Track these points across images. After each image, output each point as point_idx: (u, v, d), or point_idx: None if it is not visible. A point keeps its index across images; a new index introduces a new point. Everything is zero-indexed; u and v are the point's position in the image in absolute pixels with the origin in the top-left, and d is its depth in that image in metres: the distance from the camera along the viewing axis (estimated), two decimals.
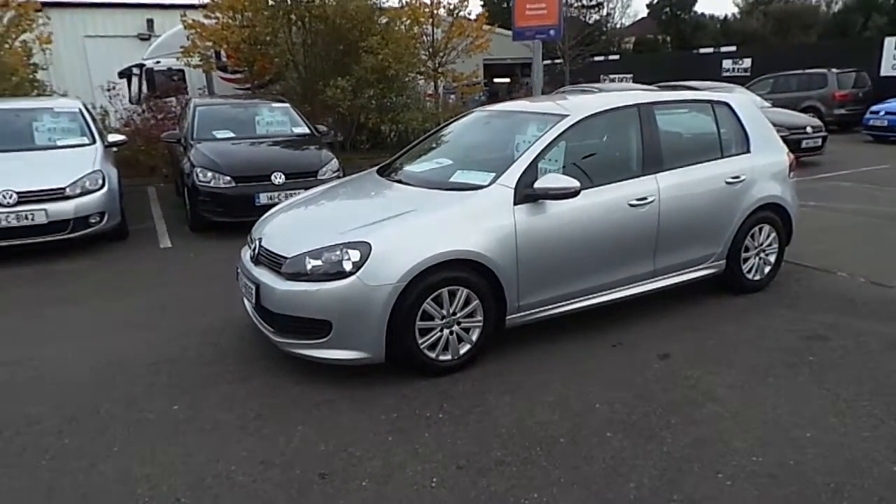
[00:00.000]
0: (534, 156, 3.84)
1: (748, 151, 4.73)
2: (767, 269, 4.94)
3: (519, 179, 3.75)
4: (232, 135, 7.89)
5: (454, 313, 3.58)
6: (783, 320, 4.35)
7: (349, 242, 3.43)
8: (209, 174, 6.88)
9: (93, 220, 6.35)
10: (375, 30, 12.24)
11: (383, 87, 12.47)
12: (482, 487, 2.64)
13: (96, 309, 4.86)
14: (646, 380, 3.55)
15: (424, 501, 2.57)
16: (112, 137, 7.50)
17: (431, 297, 3.48)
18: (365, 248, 3.39)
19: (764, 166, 4.76)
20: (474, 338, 3.69)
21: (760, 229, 4.80)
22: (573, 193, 3.72)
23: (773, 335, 4.11)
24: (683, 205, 4.32)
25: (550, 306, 3.94)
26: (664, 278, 4.40)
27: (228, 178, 6.82)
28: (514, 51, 19.72)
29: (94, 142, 7.11)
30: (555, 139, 3.94)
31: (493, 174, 3.83)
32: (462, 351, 3.68)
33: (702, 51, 23.89)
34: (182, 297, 5.11)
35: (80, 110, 7.48)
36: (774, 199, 4.80)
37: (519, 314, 3.83)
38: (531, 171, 3.79)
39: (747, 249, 4.77)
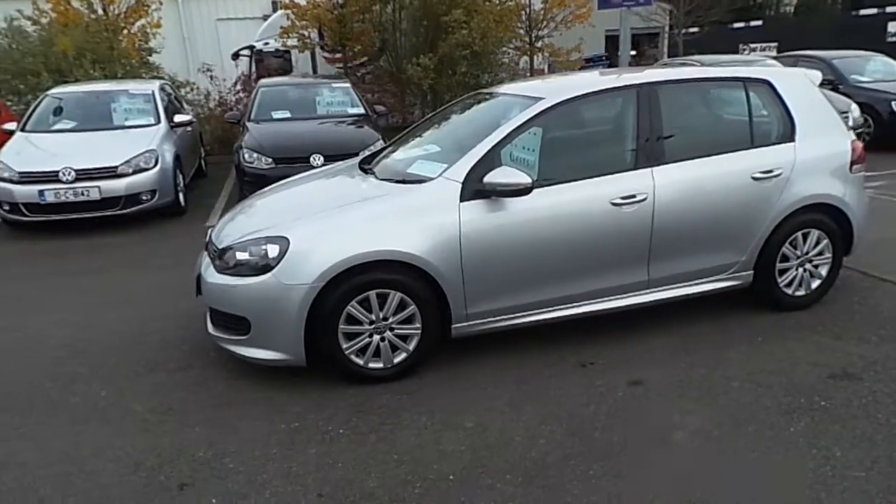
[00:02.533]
0: (490, 146, 3.39)
1: (791, 140, 3.88)
2: (816, 284, 4.07)
3: (469, 173, 3.32)
4: (288, 115, 8.00)
5: (385, 318, 3.29)
6: (813, 349, 3.55)
7: (270, 237, 3.25)
8: (254, 155, 7.01)
9: (144, 198, 6.73)
10: (460, 3, 11.81)
11: (469, 64, 12.06)
12: None
13: (107, 283, 5.12)
14: (596, 412, 3.04)
15: None
16: (178, 118, 7.87)
17: (357, 299, 3.21)
18: (284, 244, 3.19)
19: (814, 158, 3.89)
20: (411, 346, 3.37)
21: (806, 235, 3.94)
22: (524, 190, 3.24)
23: (789, 369, 3.36)
24: (689, 204, 3.63)
25: (507, 316, 3.49)
26: (664, 290, 3.75)
27: (270, 159, 6.90)
28: (639, 20, 18.34)
29: (158, 122, 7.52)
30: (519, 126, 3.45)
31: (446, 165, 3.44)
32: (397, 359, 3.37)
33: (862, 12, 20.64)
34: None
35: (153, 92, 7.93)
36: (827, 199, 3.91)
37: (467, 323, 3.44)
38: (487, 163, 3.34)
39: (786, 259, 3.95)
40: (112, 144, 6.91)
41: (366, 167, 4.11)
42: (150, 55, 12.25)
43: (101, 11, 11.75)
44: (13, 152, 6.71)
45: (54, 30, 10.79)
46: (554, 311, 3.57)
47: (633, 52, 25.15)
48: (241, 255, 3.28)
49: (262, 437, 2.93)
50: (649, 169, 3.57)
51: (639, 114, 3.62)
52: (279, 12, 15.26)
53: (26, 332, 4.21)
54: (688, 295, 3.82)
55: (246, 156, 7.07)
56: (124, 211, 6.63)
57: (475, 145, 3.44)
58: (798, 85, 4.02)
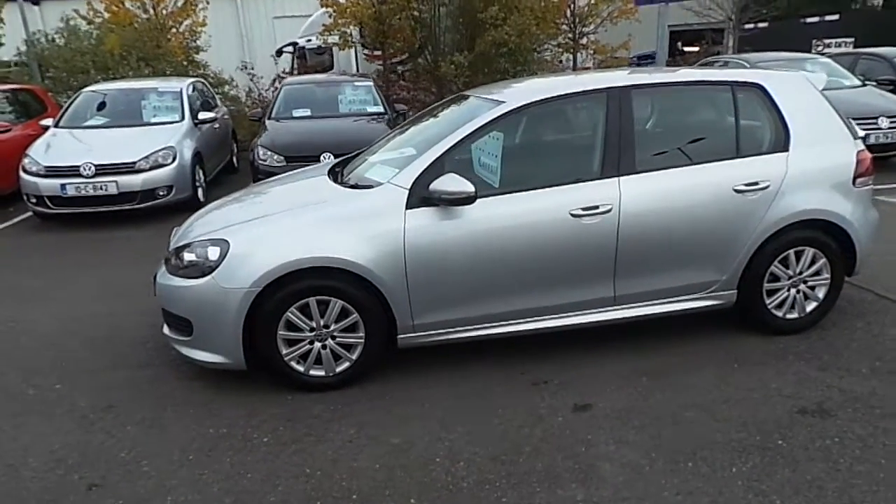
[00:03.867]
0: (439, 153, 3.26)
1: (785, 149, 3.56)
2: (812, 307, 3.73)
3: (417, 179, 3.21)
4: (308, 113, 8.07)
5: (327, 326, 3.22)
6: (791, 380, 3.25)
7: (212, 239, 3.24)
8: (267, 153, 7.11)
9: (160, 193, 6.93)
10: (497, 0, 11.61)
11: (506, 62, 11.85)
12: None
13: (107, 277, 5.28)
14: (529, 436, 2.87)
15: None
16: (203, 115, 8.07)
17: (297, 305, 3.16)
18: (224, 247, 3.17)
19: (810, 170, 3.56)
20: (354, 355, 3.29)
21: (799, 254, 3.61)
22: (466, 199, 3.10)
23: (756, 400, 3.08)
24: (660, 217, 3.39)
25: (459, 329, 3.36)
26: (634, 307, 3.52)
27: (281, 157, 6.98)
28: (692, 16, 17.56)
29: (182, 119, 7.73)
30: (474, 132, 3.30)
31: (397, 171, 3.34)
32: (339, 368, 3.30)
33: None
34: None
35: (181, 90, 8.16)
36: (824, 215, 3.57)
37: (414, 334, 3.33)
38: (436, 169, 3.21)
39: (775, 279, 3.63)
40: (134, 141, 7.14)
41: (338, 170, 4.05)
42: (197, 53, 12.67)
43: (151, 11, 12.25)
44: (42, 147, 7.05)
45: (105, 29, 11.30)
46: (510, 325, 3.41)
47: (694, 49, 24.17)
48: (189, 257, 3.29)
49: (187, 441, 2.92)
50: (616, 179, 3.35)
51: (607, 119, 3.40)
52: (321, 10, 15.50)
53: (15, 322, 4.39)
54: (662, 314, 3.57)
55: (260, 153, 7.17)
56: (141, 205, 6.85)
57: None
58: (796, 89, 3.68)
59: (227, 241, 3.18)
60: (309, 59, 14.86)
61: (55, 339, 4.05)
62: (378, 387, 3.33)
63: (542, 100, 3.41)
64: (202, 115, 8.05)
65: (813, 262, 3.65)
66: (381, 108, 8.25)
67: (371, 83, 8.81)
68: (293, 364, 3.26)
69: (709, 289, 3.58)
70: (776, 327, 3.71)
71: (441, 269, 3.23)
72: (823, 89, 3.79)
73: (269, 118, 7.99)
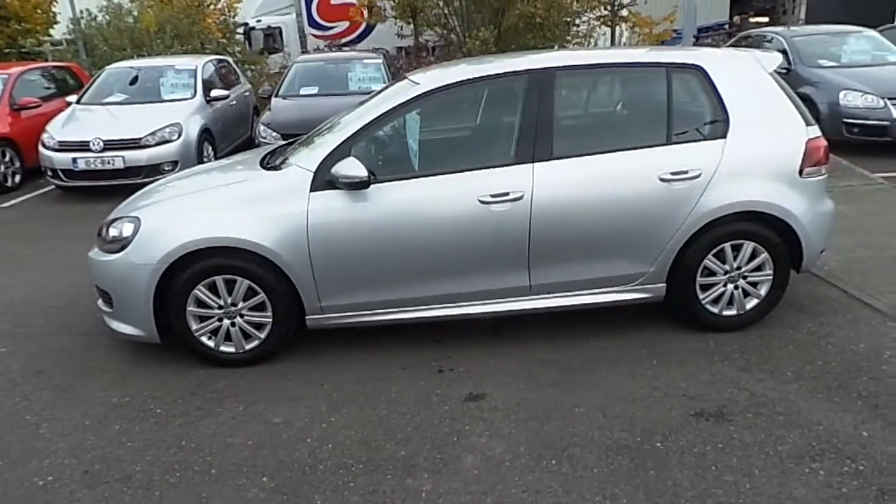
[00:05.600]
0: (347, 135, 3.25)
1: (722, 136, 3.33)
2: (753, 304, 3.51)
3: (323, 162, 3.21)
4: (315, 91, 8.15)
5: (234, 304, 3.30)
6: (704, 379, 3.09)
7: (128, 216, 3.36)
8: (267, 130, 7.25)
9: (165, 168, 7.19)
10: None
11: (532, 37, 11.55)
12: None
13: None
14: (408, 423, 2.86)
15: None
16: (215, 93, 8.28)
17: (205, 283, 3.25)
18: (137, 224, 3.29)
19: (748, 158, 3.32)
20: (263, 334, 3.36)
21: (738, 247, 3.40)
22: (360, 183, 3.09)
23: (656, 399, 2.95)
24: (576, 205, 3.26)
25: (365, 312, 3.36)
26: (553, 297, 3.41)
27: (277, 134, 7.09)
28: None
29: (193, 96, 7.98)
30: (382, 116, 3.26)
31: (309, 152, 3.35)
32: (249, 346, 3.38)
33: None
34: None
35: (196, 68, 8.40)
36: (763, 208, 3.34)
37: (322, 316, 3.36)
38: (342, 152, 3.20)
39: (709, 273, 3.43)
40: (145, 117, 7.43)
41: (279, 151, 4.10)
42: (234, 34, 12.97)
43: None
44: (60, 123, 7.44)
45: (143, 7, 11.74)
46: (421, 311, 3.39)
47: (763, 19, 22.67)
48: (113, 232, 3.42)
49: (89, 407, 3.08)
50: (530, 165, 3.24)
51: (524, 103, 3.28)
52: None
53: None
54: (583, 305, 3.45)
55: (260, 130, 7.33)
56: (146, 180, 7.03)
57: None
58: (741, 71, 3.42)
59: (139, 217, 3.30)
60: (253, 43, 14.67)
61: (17, 306, 4.33)
62: (286, 365, 3.39)
63: (455, 83, 3.31)
64: (214, 93, 8.26)
65: (753, 257, 3.42)
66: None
67: (381, 60, 8.79)
68: (204, 339, 3.36)
69: (634, 281, 3.42)
70: (712, 324, 3.52)
71: (345, 252, 3.23)
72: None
73: (275, 96, 8.12)
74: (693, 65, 3.40)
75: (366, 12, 13.44)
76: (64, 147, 7.05)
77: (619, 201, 3.28)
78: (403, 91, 3.36)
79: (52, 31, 12.39)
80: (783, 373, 3.12)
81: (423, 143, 3.34)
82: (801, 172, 3.36)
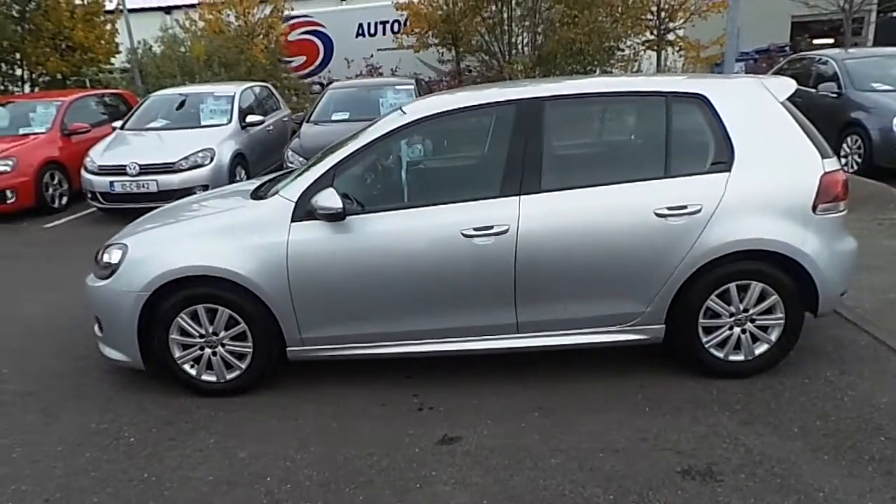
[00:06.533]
0: (329, 165, 3.21)
1: (726, 169, 3.11)
2: (763, 349, 3.24)
3: (305, 192, 3.17)
4: (347, 117, 8.23)
5: (216, 333, 3.27)
6: (700, 432, 2.84)
7: (117, 243, 3.41)
8: (294, 156, 7.35)
9: (197, 192, 7.36)
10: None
11: (573, 62, 11.40)
12: None
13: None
14: (373, 465, 2.74)
15: None
16: (250, 119, 8.50)
17: (187, 311, 3.24)
18: (124, 250, 3.33)
19: (754, 193, 3.09)
20: (244, 364, 3.32)
21: (744, 288, 3.15)
22: (336, 215, 3.02)
23: (642, 453, 2.73)
24: (565, 240, 3.09)
25: (347, 345, 3.28)
26: (541, 336, 3.24)
27: (304, 160, 7.16)
28: (813, 6, 15.82)
29: (229, 122, 8.21)
30: (367, 145, 3.21)
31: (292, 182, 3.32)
32: (230, 375, 3.35)
33: None
34: None
35: (234, 95, 8.65)
36: (770, 246, 3.08)
37: (303, 347, 3.29)
38: (324, 182, 3.15)
39: (713, 315, 3.19)
40: (181, 142, 7.67)
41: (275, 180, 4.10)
42: (280, 60, 13.36)
43: (242, 19, 13.12)
44: (102, 148, 7.76)
45: (196, 36, 12.26)
46: (404, 346, 3.28)
47: (828, 41, 21.74)
48: (106, 258, 3.47)
49: (67, 433, 3.10)
50: (516, 197, 3.10)
51: (512, 134, 3.16)
52: None
53: (6, 308, 4.86)
54: (575, 345, 3.26)
55: (289, 155, 7.43)
56: None
57: None
58: (748, 100, 3.20)
59: (126, 244, 3.34)
60: None
61: (33, 326, 4.45)
62: (266, 397, 3.34)
63: (440, 113, 3.23)
64: (250, 118, 8.48)
65: (762, 299, 3.16)
66: None
67: (413, 86, 8.82)
68: (186, 367, 3.34)
69: (629, 321, 3.22)
70: (717, 369, 3.26)
71: (326, 284, 3.17)
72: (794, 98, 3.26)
73: (307, 121, 8.25)
74: (695, 94, 3.20)
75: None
76: (103, 171, 7.34)
77: (611, 237, 3.10)
78: (391, 121, 3.30)
79: (113, 60, 13.06)
80: (788, 428, 2.84)
81: (409, 173, 3.27)
82: (814, 208, 3.10)
